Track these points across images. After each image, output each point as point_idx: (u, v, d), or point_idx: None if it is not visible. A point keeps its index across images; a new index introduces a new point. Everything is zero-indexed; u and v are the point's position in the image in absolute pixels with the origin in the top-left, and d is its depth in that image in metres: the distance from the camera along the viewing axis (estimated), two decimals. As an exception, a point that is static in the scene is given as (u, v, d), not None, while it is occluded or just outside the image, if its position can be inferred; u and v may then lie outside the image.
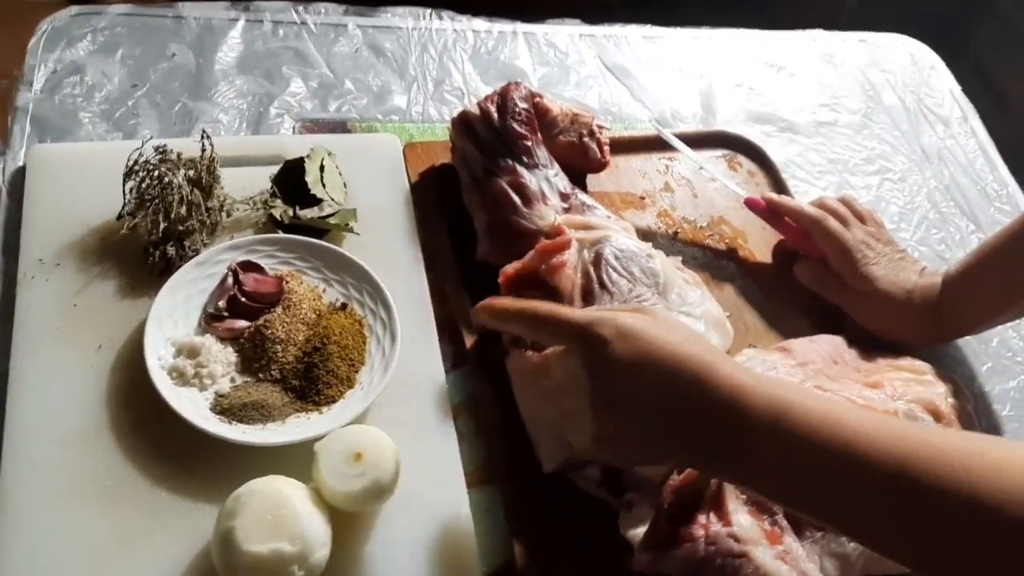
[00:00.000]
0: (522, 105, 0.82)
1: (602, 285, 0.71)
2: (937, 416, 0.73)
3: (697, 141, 1.00)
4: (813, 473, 0.51)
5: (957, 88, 1.21)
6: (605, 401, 0.55)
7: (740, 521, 0.62)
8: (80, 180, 0.76)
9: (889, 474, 0.49)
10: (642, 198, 0.95)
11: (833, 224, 0.87)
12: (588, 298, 0.71)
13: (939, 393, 0.76)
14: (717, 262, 0.91)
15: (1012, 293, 0.83)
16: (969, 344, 0.92)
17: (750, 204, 0.92)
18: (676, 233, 0.92)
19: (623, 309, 0.60)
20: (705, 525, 0.61)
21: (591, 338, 0.55)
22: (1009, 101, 2.22)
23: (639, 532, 0.63)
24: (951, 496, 0.48)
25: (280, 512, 0.57)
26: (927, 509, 0.48)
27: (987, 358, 0.92)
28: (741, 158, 1.02)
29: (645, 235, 0.86)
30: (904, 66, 1.22)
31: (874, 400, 0.72)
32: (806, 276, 0.90)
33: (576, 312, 0.59)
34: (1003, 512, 0.46)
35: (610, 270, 0.72)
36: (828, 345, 0.80)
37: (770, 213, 0.92)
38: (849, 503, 0.51)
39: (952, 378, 0.80)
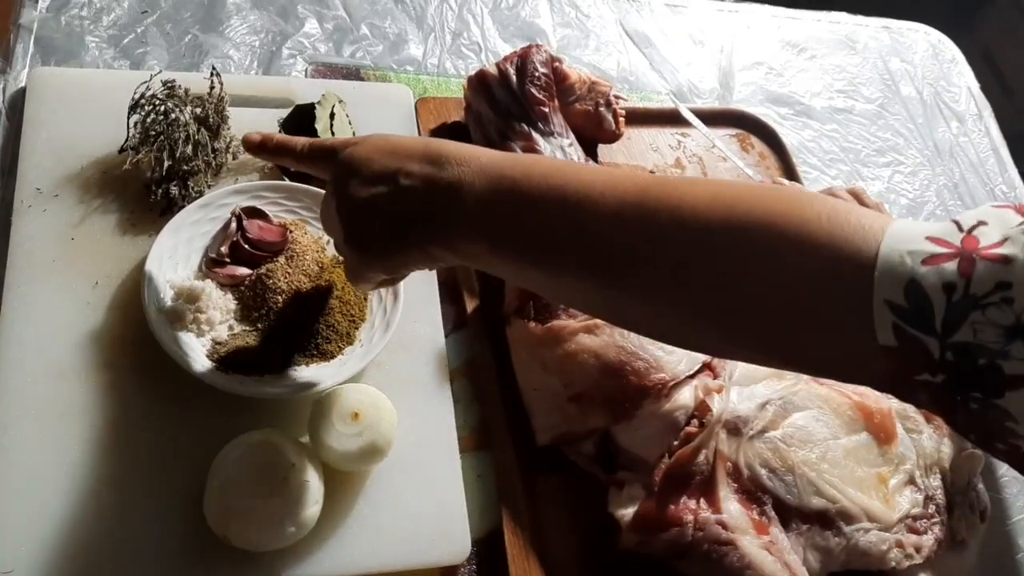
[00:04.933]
0: (542, 70, 0.80)
1: (611, 262, 0.70)
2: (928, 417, 0.74)
3: (712, 118, 0.98)
4: (543, 222, 0.50)
5: (975, 85, 1.20)
6: (345, 196, 0.55)
7: (729, 509, 0.62)
8: (83, 108, 0.74)
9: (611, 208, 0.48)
10: (652, 172, 0.93)
11: (842, 215, 0.87)
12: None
13: (932, 394, 0.76)
14: (722, 244, 0.90)
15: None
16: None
17: (761, 188, 0.91)
18: (684, 211, 0.91)
19: None
20: (695, 510, 0.62)
21: (340, 147, 0.57)
22: (1014, 90, 2.21)
23: (628, 512, 0.64)
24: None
25: (275, 467, 0.56)
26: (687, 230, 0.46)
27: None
28: (754, 139, 1.00)
29: (654, 211, 0.85)
30: (925, 58, 1.21)
31: (868, 396, 0.72)
32: (809, 265, 0.89)
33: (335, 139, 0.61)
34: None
35: (620, 247, 0.71)
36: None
37: (780, 199, 0.91)
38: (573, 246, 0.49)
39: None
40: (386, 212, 0.54)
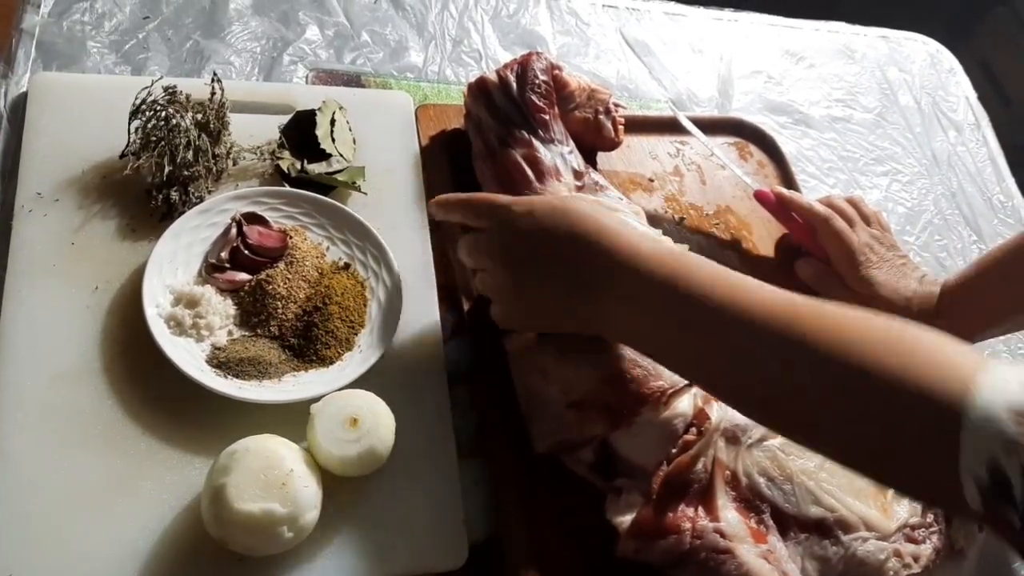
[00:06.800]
0: (542, 77, 0.80)
1: (610, 269, 0.70)
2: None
3: (711, 126, 0.99)
4: (701, 330, 0.56)
5: (973, 94, 1.21)
6: (508, 253, 0.63)
7: (727, 517, 0.62)
8: (84, 113, 0.74)
9: (779, 332, 0.53)
10: (651, 180, 0.94)
11: (840, 224, 0.87)
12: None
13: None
14: (720, 252, 0.91)
15: (1006, 308, 0.84)
16: (960, 355, 0.92)
17: (759, 197, 0.92)
18: (682, 219, 0.91)
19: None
20: (692, 518, 0.62)
21: (512, 208, 0.64)
22: (1012, 100, 2.22)
23: (626, 519, 0.64)
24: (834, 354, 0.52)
25: (273, 472, 0.56)
26: (810, 364, 0.52)
27: (976, 370, 0.93)
28: (753, 147, 1.01)
29: (652, 219, 0.85)
30: (923, 67, 1.21)
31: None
32: (807, 273, 0.90)
33: (505, 196, 0.67)
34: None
35: (619, 254, 0.71)
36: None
37: (778, 207, 0.92)
38: (738, 359, 0.55)
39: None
40: (551, 283, 0.61)
